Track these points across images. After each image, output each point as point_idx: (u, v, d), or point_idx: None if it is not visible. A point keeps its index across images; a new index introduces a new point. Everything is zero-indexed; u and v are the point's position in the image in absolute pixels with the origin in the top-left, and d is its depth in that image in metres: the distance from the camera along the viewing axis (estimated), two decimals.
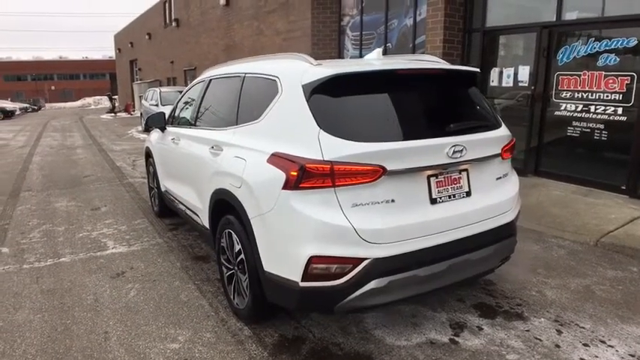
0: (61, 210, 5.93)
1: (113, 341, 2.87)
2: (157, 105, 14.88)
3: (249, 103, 3.05)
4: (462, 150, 2.56)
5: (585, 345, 2.78)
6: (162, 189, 4.94)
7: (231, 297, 3.14)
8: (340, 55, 11.46)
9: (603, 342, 2.81)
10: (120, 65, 36.26)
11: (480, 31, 7.46)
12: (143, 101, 17.67)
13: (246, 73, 3.26)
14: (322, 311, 2.65)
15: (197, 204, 3.67)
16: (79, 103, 50.94)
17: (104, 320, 3.13)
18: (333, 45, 11.49)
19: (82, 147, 12.77)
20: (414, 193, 2.49)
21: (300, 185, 2.32)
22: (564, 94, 6.27)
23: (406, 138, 2.46)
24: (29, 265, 4.10)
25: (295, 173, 2.33)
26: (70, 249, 4.49)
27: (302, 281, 2.35)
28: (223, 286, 3.31)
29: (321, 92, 2.47)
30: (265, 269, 2.57)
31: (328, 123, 2.39)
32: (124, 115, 26.90)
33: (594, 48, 5.89)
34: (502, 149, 2.89)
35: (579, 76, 6.07)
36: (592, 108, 5.97)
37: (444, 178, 2.60)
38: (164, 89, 16.49)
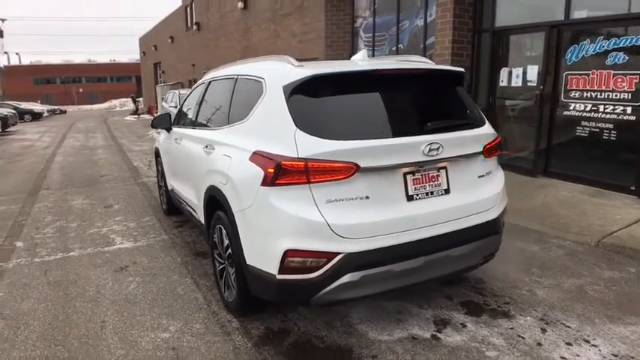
0: (75, 207, 6.18)
1: (109, 330, 3.03)
2: (175, 107, 15.24)
3: (239, 103, 3.17)
4: (438, 148, 2.61)
5: (568, 344, 2.78)
6: (169, 187, 5.11)
7: (222, 290, 3.26)
8: None
9: (587, 341, 2.80)
10: (144, 68, 37.17)
11: (490, 31, 7.41)
12: (163, 103, 18.14)
13: (238, 75, 3.38)
14: (300, 303, 2.74)
15: (195, 201, 3.81)
16: (105, 105, 52.39)
17: (103, 310, 3.29)
18: (347, 46, 11.56)
19: (103, 147, 13.20)
20: (389, 190, 2.55)
21: (277, 182, 2.42)
22: (573, 94, 6.18)
23: (380, 136, 2.52)
24: (40, 258, 4.32)
25: (272, 170, 2.43)
26: (80, 244, 4.70)
27: (279, 274, 2.45)
28: (216, 280, 3.44)
29: (299, 93, 2.57)
30: (247, 262, 2.68)
31: (305, 122, 2.48)
32: (147, 116, 27.57)
33: (603, 47, 5.79)
34: (484, 148, 2.92)
35: (588, 75, 5.97)
36: (601, 107, 5.87)
37: (421, 175, 2.65)
38: (182, 91, 16.87)
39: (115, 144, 14.10)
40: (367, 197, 2.48)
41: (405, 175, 2.60)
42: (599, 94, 5.87)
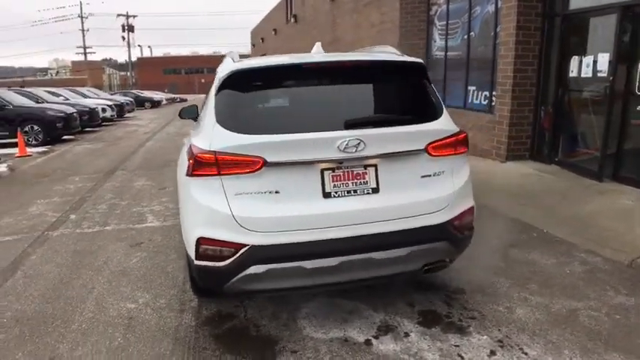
0: (135, 187, 6.98)
1: (93, 295, 3.46)
2: None
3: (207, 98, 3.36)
4: (358, 144, 2.49)
5: None
6: None
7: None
8: (428, 46, 11.04)
9: None
10: None
11: (561, 15, 6.59)
12: None
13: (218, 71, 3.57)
14: (216, 289, 2.77)
15: None
16: None
17: (98, 278, 3.75)
18: (422, 35, 11.10)
19: None
20: (302, 186, 2.52)
21: (194, 173, 2.56)
22: None
23: (291, 131, 2.50)
24: (81, 230, 5.02)
25: (192, 162, 2.57)
26: (118, 220, 5.34)
27: (195, 260, 2.59)
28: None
29: (226, 88, 2.66)
30: (186, 248, 2.87)
31: (223, 116, 2.57)
32: None
33: None
34: (428, 145, 2.69)
35: None
36: None
37: (343, 172, 2.56)
38: None
39: None
40: (277, 192, 2.49)
41: (322, 171, 2.54)
42: None
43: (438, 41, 10.61)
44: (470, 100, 9.33)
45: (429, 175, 2.73)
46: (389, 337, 2.83)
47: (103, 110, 18.18)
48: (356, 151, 2.50)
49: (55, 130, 12.23)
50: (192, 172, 2.56)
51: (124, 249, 4.41)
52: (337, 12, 16.40)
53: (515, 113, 7.17)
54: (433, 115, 2.83)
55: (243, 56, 3.68)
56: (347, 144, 2.48)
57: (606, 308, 3.13)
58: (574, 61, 6.39)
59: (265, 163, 2.44)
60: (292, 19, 23.78)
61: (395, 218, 2.61)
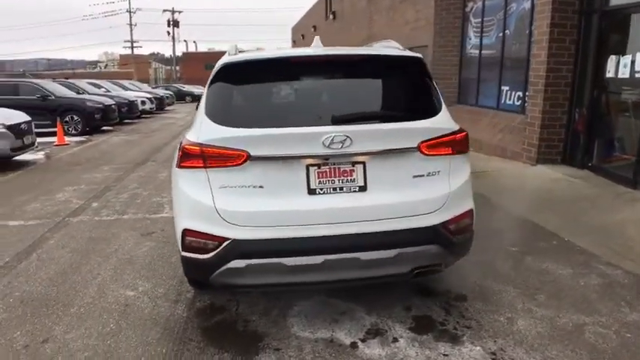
0: (159, 178, 7.17)
1: (97, 281, 3.57)
2: None
3: None
4: (344, 140, 2.42)
5: None
6: None
7: None
8: (462, 44, 10.71)
9: None
10: None
11: (598, 11, 6.20)
12: None
13: None
14: (203, 282, 2.77)
15: None
16: None
17: (105, 265, 3.86)
18: (456, 33, 10.78)
19: None
20: (287, 182, 2.48)
21: (182, 164, 2.58)
22: None
23: (277, 125, 2.46)
24: (99, 217, 5.19)
25: (180, 153, 2.59)
26: (136, 209, 5.49)
27: (182, 251, 2.61)
28: None
29: (217, 81, 2.67)
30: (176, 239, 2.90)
31: (212, 109, 2.57)
32: None
33: None
34: (421, 143, 2.57)
35: None
36: None
37: (329, 169, 2.50)
38: None
39: None
40: (261, 186, 2.46)
41: (308, 167, 2.49)
42: None
43: (473, 39, 10.27)
44: (503, 101, 8.99)
45: (422, 175, 2.62)
46: (376, 341, 2.75)
47: (143, 103, 18.81)
48: (342, 147, 2.43)
49: (93, 120, 12.76)
50: (179, 164, 2.59)
51: (135, 238, 4.53)
52: (374, 8, 16.22)
53: (548, 115, 6.83)
54: (429, 112, 2.70)
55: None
56: (332, 140, 2.42)
57: (617, 325, 2.91)
58: (611, 60, 6.00)
59: (249, 157, 2.42)
60: (331, 16, 23.74)
61: (383, 218, 2.52)
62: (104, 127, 14.09)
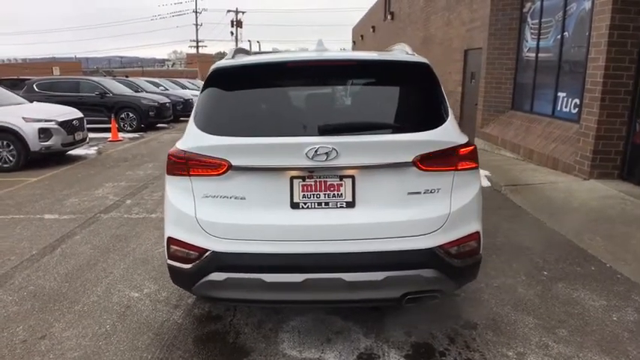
0: None
1: (108, 279, 3.66)
2: None
3: None
4: (329, 152, 2.26)
5: None
6: None
7: None
8: (519, 47, 10.05)
9: None
10: None
11: None
12: None
13: None
14: (187, 291, 2.72)
15: None
16: None
17: (120, 264, 3.96)
18: (512, 35, 10.13)
19: None
20: (269, 194, 2.36)
21: (168, 172, 2.55)
22: None
23: (259, 134, 2.35)
24: (128, 215, 5.37)
25: (167, 161, 2.56)
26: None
27: (167, 259, 2.58)
28: None
29: (209, 86, 2.59)
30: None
31: (200, 116, 2.51)
32: None
33: None
34: (417, 157, 2.35)
35: None
36: None
37: (315, 182, 2.35)
38: None
39: None
40: (243, 198, 2.37)
41: (292, 179, 2.36)
42: None
43: (530, 41, 9.61)
44: (559, 108, 8.33)
45: (418, 192, 2.39)
46: None
47: None
48: (327, 159, 2.28)
49: (147, 117, 13.38)
50: (167, 171, 2.57)
51: (155, 237, 4.62)
52: (431, 9, 15.71)
53: (604, 125, 6.21)
54: (431, 123, 2.45)
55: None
56: (316, 151, 2.27)
57: None
58: None
59: (231, 167, 2.34)
60: (389, 17, 23.38)
61: (371, 238, 2.34)
62: (159, 125, 14.73)
